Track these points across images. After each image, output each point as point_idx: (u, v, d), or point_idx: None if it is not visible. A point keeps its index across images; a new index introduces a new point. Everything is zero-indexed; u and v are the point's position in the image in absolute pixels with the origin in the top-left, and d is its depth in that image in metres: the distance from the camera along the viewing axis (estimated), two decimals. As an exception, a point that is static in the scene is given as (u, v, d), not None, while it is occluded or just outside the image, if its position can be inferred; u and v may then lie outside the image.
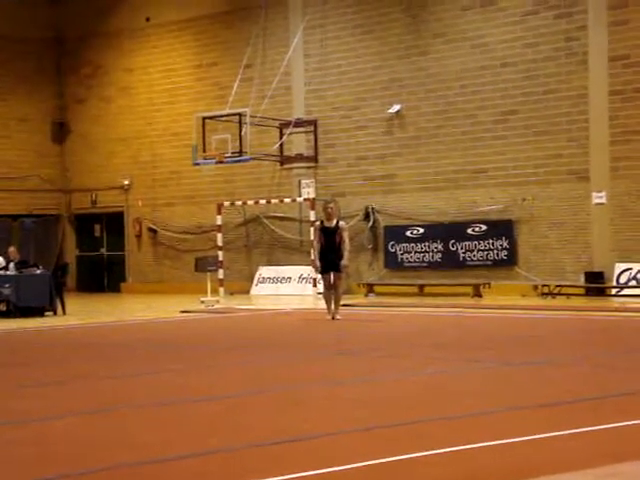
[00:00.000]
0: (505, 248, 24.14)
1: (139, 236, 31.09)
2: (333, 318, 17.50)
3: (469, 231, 24.60)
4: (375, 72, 26.12)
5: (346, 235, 17.70)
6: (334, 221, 17.72)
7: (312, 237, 21.16)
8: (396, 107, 25.59)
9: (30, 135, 32.26)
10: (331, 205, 17.92)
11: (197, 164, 26.63)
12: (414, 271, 25.55)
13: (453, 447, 6.34)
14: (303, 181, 27.39)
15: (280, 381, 10.17)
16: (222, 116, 26.53)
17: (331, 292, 17.79)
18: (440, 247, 25.06)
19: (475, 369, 10.82)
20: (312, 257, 21.87)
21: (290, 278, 27.15)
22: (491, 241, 24.30)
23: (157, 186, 30.68)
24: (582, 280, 23.00)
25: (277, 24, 27.95)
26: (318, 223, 18.31)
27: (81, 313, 21.57)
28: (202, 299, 22.91)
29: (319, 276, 19.99)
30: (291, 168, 27.77)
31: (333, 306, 17.66)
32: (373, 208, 26.08)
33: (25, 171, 31.92)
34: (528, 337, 14.60)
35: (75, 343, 15.42)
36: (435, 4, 25.17)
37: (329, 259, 17.58)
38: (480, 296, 23.67)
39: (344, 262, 17.56)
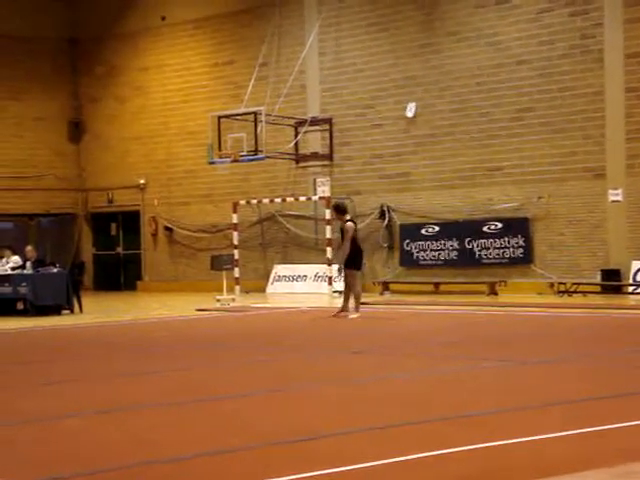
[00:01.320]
0: (521, 246, 24.08)
1: (155, 235, 31.16)
2: (334, 315, 17.82)
3: (485, 229, 24.55)
4: (390, 70, 26.09)
5: (347, 236, 17.88)
6: (343, 221, 18.08)
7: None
8: (412, 108, 25.52)
9: (46, 134, 32.36)
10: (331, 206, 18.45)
11: (212, 163, 26.69)
12: (430, 269, 25.52)
13: (467, 446, 6.33)
14: (318, 179, 27.39)
15: (294, 380, 10.18)
16: (237, 115, 26.57)
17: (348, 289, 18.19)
18: (456, 245, 25.03)
19: (490, 367, 10.80)
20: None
21: (306, 276, 27.15)
22: (507, 239, 24.24)
23: (173, 185, 30.74)
24: (598, 278, 22.93)
25: (292, 22, 27.96)
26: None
27: (97, 311, 21.64)
28: (218, 297, 22.95)
29: (335, 274, 20.13)
30: (306, 166, 27.78)
31: (346, 303, 17.93)
32: (388, 206, 26.05)
33: (42, 170, 32.04)
34: (544, 335, 14.57)
35: (91, 341, 15.47)
36: (449, 2, 25.12)
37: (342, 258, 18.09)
38: (496, 294, 23.63)
39: (339, 263, 18.10)
